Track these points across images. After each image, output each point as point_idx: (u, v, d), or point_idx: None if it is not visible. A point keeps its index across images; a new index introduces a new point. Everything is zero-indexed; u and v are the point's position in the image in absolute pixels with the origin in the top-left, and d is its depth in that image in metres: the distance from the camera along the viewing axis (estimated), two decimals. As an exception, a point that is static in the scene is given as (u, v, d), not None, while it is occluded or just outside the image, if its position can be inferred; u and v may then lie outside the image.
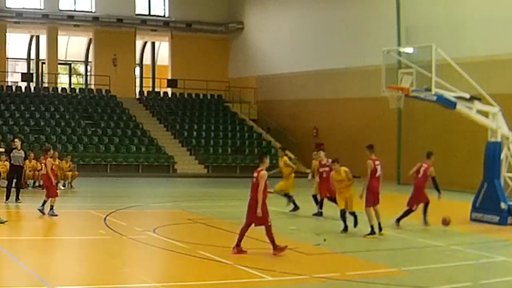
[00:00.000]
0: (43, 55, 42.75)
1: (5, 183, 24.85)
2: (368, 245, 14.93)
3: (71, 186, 25.67)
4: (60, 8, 41.13)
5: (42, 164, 18.51)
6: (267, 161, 13.63)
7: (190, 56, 43.46)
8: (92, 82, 43.07)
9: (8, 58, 42.10)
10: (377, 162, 16.20)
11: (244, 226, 13.45)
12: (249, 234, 15.73)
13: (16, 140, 22.08)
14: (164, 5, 44.31)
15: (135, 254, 13.79)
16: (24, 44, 44.32)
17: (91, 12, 41.77)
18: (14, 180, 21.32)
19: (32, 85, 41.70)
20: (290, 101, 40.02)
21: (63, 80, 45.64)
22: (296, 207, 19.74)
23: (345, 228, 16.21)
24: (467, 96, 18.89)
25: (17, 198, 20.99)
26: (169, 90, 44.32)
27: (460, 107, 18.72)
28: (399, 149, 32.70)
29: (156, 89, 45.69)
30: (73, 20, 41.24)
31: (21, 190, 21.84)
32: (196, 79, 42.45)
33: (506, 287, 11.59)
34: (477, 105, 18.90)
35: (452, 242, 15.59)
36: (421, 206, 17.70)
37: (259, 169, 13.36)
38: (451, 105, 18.69)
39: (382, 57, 19.94)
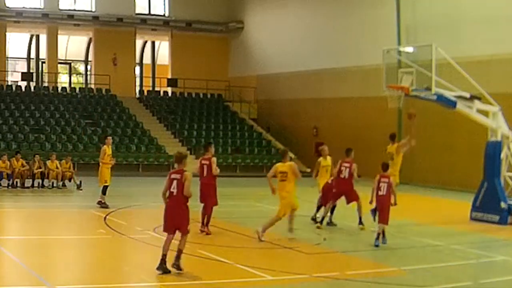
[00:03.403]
0: (43, 54, 42.73)
1: (5, 182, 25.01)
2: (368, 244, 14.91)
3: (64, 185, 25.62)
4: (60, 7, 41.11)
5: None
6: None
7: (190, 56, 43.45)
8: (92, 81, 43.06)
9: (8, 58, 42.08)
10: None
11: None
12: (248, 233, 15.75)
13: None
14: (164, 4, 44.29)
15: (135, 254, 13.78)
16: (24, 43, 44.32)
17: (91, 11, 41.75)
18: None
19: (32, 84, 41.69)
20: (290, 100, 40.01)
21: (63, 80, 45.65)
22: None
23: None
24: (467, 95, 18.89)
25: None
26: (169, 90, 44.32)
27: (460, 106, 18.73)
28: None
29: (156, 89, 45.69)
30: (73, 20, 41.23)
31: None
32: (196, 78, 42.43)
33: (506, 286, 11.59)
34: (477, 104, 18.91)
35: (452, 241, 15.60)
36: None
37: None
38: (451, 104, 18.69)
39: (382, 56, 19.93)
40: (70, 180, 25.75)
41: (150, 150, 36.36)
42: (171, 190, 11.46)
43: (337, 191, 17.01)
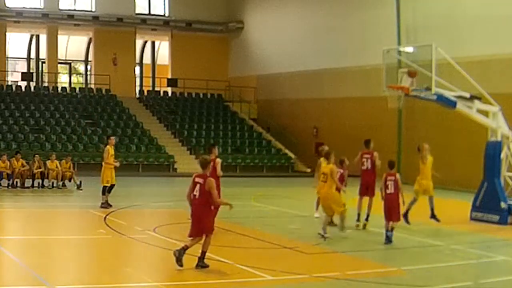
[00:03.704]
0: (43, 54, 42.75)
1: (5, 182, 25.02)
2: (368, 244, 14.93)
3: (64, 185, 25.61)
4: (60, 7, 41.13)
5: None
6: None
7: (190, 56, 43.47)
8: (92, 81, 43.07)
9: (8, 58, 42.10)
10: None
11: None
12: (248, 233, 15.76)
13: None
14: (164, 4, 44.31)
15: (135, 254, 13.79)
16: (24, 43, 44.33)
17: (91, 11, 41.77)
18: None
19: (32, 84, 41.70)
20: (290, 101, 40.02)
21: (63, 80, 45.67)
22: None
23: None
24: (467, 95, 18.89)
25: None
26: (169, 90, 44.33)
27: (460, 106, 18.72)
28: (399, 148, 32.68)
29: (156, 89, 45.70)
30: (73, 20, 41.25)
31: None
32: (196, 78, 42.45)
33: (506, 286, 11.58)
34: (477, 104, 18.89)
35: (452, 241, 15.60)
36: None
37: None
38: (451, 104, 18.68)
39: (382, 56, 19.94)
40: (70, 180, 25.75)
41: (150, 150, 36.36)
42: (194, 193, 11.73)
43: (362, 183, 17.04)
